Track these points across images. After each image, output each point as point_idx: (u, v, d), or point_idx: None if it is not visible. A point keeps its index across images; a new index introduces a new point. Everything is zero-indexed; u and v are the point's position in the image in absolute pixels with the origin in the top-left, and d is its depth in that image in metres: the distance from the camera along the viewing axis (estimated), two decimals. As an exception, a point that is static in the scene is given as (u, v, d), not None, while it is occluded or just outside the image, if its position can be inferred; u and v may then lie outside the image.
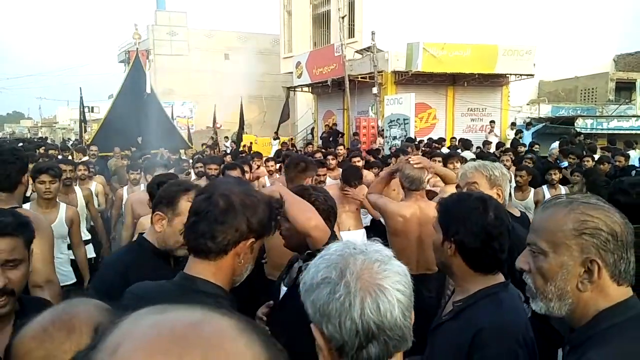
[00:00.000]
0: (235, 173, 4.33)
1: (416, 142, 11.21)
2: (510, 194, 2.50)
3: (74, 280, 3.87)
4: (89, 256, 4.62)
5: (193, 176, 6.88)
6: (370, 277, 0.97)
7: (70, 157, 10.06)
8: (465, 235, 1.60)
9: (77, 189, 5.18)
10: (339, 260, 1.00)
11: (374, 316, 0.94)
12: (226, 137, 19.15)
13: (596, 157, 8.67)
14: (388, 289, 0.96)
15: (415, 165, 2.85)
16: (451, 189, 2.91)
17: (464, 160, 6.75)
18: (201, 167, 6.32)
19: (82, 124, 18.33)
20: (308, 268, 1.06)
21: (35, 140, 23.23)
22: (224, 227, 1.32)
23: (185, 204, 1.98)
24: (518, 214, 3.70)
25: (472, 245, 1.60)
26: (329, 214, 2.07)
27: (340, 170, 5.75)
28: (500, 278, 1.67)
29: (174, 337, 0.45)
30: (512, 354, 1.48)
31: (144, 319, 0.49)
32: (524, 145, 11.70)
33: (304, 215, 1.80)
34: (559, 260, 1.19)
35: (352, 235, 4.55)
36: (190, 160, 9.06)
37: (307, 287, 1.03)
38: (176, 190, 2.06)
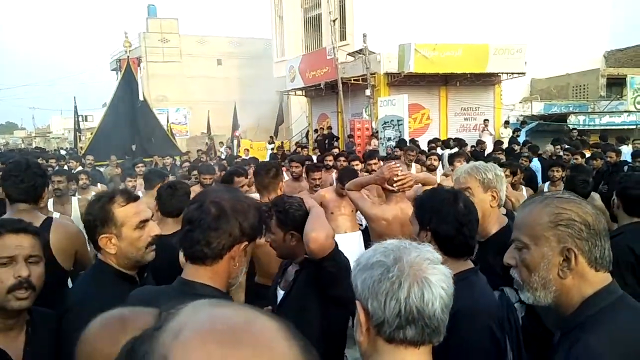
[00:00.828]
0: (243, 180, 4.28)
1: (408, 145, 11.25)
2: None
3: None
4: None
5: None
6: (420, 270, 1.08)
7: (65, 167, 10.07)
8: (439, 223, 1.77)
9: (73, 199, 5.16)
10: (395, 250, 1.12)
11: (417, 302, 1.04)
12: (221, 143, 19.14)
13: (587, 154, 8.76)
14: (434, 283, 1.07)
15: (398, 184, 2.89)
16: None
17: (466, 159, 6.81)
18: (196, 175, 6.29)
19: (77, 133, 18.30)
20: (364, 252, 1.18)
21: (30, 150, 23.15)
22: (218, 233, 1.37)
23: (120, 211, 1.85)
24: (504, 212, 3.75)
25: (446, 233, 1.76)
26: (304, 220, 2.14)
27: None
28: (470, 264, 1.82)
29: (229, 330, 0.51)
30: (486, 331, 1.61)
31: (201, 311, 0.54)
32: (518, 143, 11.77)
33: (309, 226, 1.94)
34: (540, 251, 1.29)
35: (349, 238, 4.58)
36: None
37: (361, 266, 1.13)
38: (102, 205, 1.87)
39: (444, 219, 1.77)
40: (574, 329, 1.24)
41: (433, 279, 1.08)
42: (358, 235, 4.76)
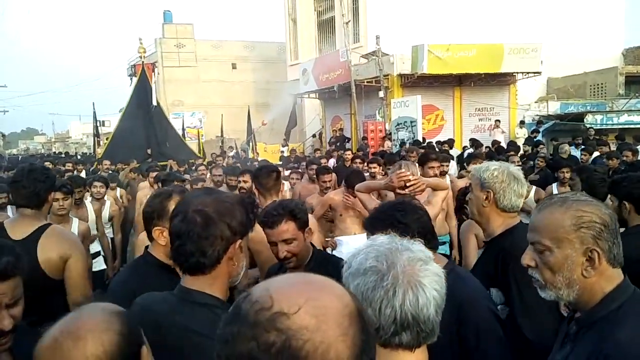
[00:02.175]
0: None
1: (424, 145, 11.22)
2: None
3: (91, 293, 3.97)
4: (99, 268, 4.77)
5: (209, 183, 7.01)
6: (414, 273, 1.07)
7: (83, 172, 10.27)
8: (427, 230, 1.84)
9: (88, 204, 5.27)
10: (388, 253, 1.10)
11: (412, 308, 1.04)
12: (230, 147, 19.05)
13: (596, 153, 8.64)
14: (427, 286, 1.07)
15: (410, 189, 2.91)
16: (442, 195, 3.03)
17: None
18: (204, 170, 6.37)
19: (96, 137, 18.64)
20: (355, 254, 1.15)
21: (52, 155, 23.63)
22: (210, 241, 1.36)
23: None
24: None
25: (431, 232, 1.86)
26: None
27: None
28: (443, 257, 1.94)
29: (299, 279, 0.77)
30: (491, 312, 1.75)
31: (270, 280, 0.77)
32: (532, 144, 11.65)
33: None
34: (564, 253, 1.35)
35: (357, 239, 4.59)
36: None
37: (353, 271, 1.12)
38: (160, 200, 2.09)
39: (428, 225, 1.84)
40: (596, 323, 1.31)
41: (426, 281, 1.08)
42: (366, 237, 4.76)
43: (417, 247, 1.15)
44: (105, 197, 5.88)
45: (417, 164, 6.06)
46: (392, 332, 1.04)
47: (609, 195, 4.60)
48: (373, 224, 1.82)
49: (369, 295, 1.06)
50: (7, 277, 1.41)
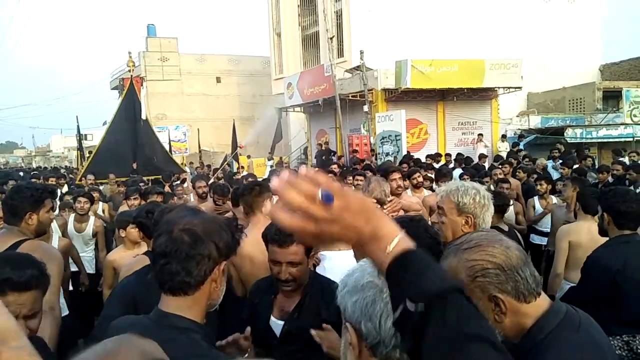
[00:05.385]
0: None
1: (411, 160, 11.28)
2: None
3: (67, 312, 3.90)
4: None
5: (192, 199, 6.96)
6: None
7: (65, 186, 10.11)
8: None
9: (55, 220, 5.14)
10: None
11: None
12: (192, 163, 18.26)
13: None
14: None
15: (388, 210, 2.96)
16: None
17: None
18: (204, 186, 6.48)
19: (79, 151, 18.43)
20: (350, 273, 1.14)
21: (31, 169, 23.27)
22: (197, 260, 1.33)
23: None
24: (506, 229, 3.77)
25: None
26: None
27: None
28: None
29: None
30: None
31: None
32: (517, 158, 11.83)
33: None
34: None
35: (343, 255, 4.58)
36: (185, 185, 9.14)
37: (349, 288, 1.11)
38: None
39: (434, 252, 1.75)
40: (527, 356, 1.28)
41: None
42: (352, 253, 4.75)
43: None
44: (89, 213, 5.82)
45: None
46: (393, 345, 1.03)
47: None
48: None
49: (369, 309, 1.05)
50: (28, 289, 1.48)
